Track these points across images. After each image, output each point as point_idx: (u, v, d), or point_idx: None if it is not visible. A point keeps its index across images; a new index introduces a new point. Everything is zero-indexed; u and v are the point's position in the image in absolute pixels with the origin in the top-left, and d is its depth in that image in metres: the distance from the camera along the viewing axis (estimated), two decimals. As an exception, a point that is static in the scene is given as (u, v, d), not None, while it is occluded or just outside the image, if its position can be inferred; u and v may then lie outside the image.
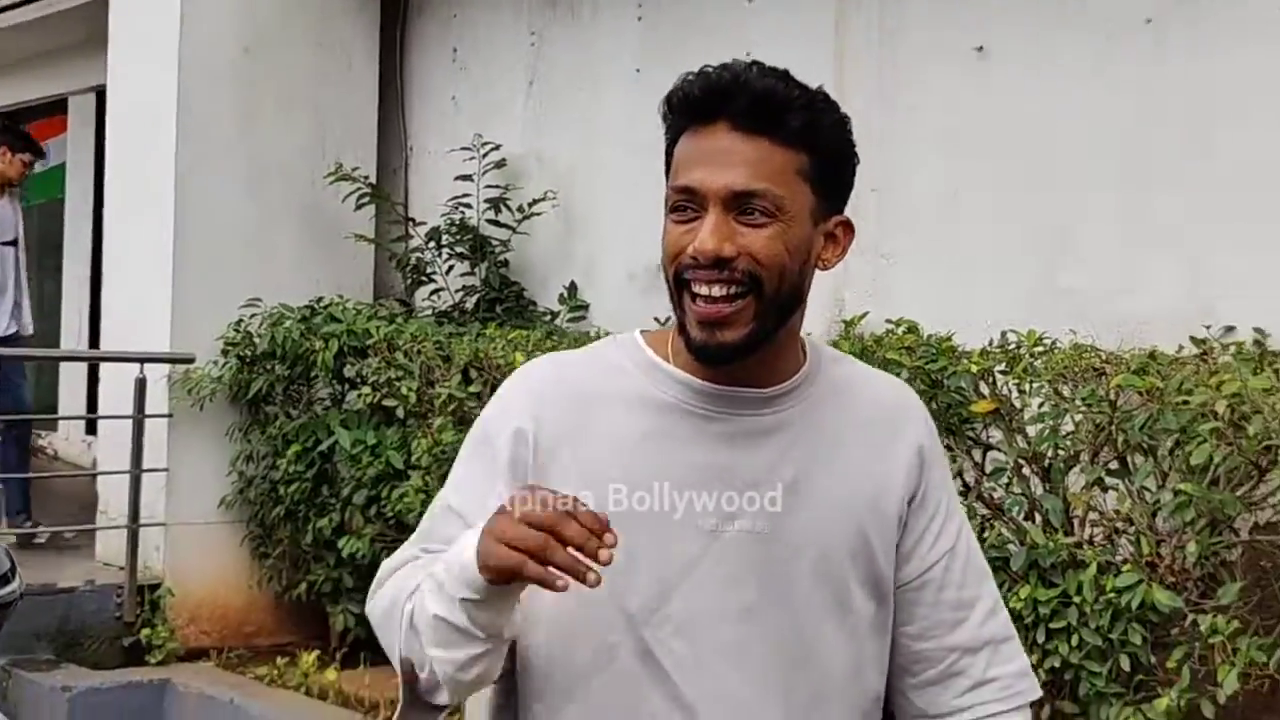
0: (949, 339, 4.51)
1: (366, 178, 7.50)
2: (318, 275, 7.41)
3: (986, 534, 4.17)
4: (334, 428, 6.54)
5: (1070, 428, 4.09)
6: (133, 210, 7.34)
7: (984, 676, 1.96)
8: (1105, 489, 4.04)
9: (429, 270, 7.31)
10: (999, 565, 3.93)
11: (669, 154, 1.85)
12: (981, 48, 5.33)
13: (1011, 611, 2.38)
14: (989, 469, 4.34)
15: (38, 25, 9.52)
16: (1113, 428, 3.95)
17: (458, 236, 7.22)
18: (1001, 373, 4.29)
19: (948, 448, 4.28)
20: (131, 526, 6.81)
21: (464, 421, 5.81)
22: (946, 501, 1.99)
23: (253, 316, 6.99)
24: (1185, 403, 3.70)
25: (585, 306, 6.91)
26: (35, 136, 8.75)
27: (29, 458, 8.30)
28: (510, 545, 1.61)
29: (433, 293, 7.32)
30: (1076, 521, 4.10)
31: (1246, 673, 3.58)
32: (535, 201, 6.99)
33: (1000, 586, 2.31)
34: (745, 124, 1.75)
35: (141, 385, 6.81)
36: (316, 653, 6.47)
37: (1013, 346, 4.38)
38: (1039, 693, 2.01)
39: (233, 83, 7.27)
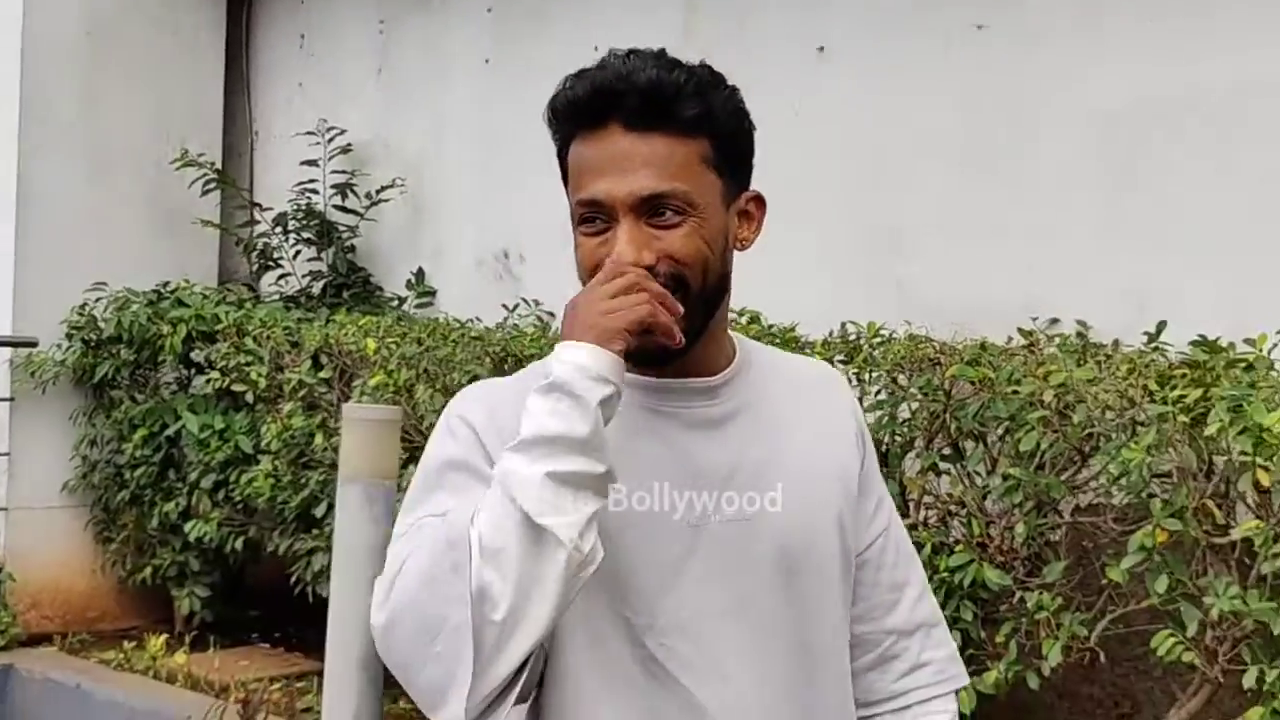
0: (793, 329, 4.70)
1: (213, 163, 7.48)
2: (162, 259, 7.38)
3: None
4: (181, 412, 6.55)
5: (907, 415, 4.30)
6: (-27, 193, 7.25)
7: (919, 660, 1.95)
8: (939, 473, 4.22)
9: (276, 255, 7.33)
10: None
11: (562, 162, 1.79)
12: (823, 48, 5.54)
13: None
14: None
15: None
16: (946, 415, 4.16)
17: (304, 222, 7.26)
18: (842, 362, 4.49)
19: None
20: (-29, 511, 6.75)
21: (313, 407, 5.88)
22: (878, 477, 2.00)
23: (98, 300, 6.95)
24: (1015, 392, 3.92)
25: (433, 293, 7.00)
26: None
27: None
28: (626, 300, 1.61)
29: (279, 278, 7.34)
30: (912, 504, 4.29)
31: (1069, 646, 3.77)
32: (383, 188, 7.06)
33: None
34: (638, 122, 1.69)
35: (-18, 368, 6.75)
36: (165, 636, 6.47)
37: (853, 338, 4.59)
38: (967, 679, 2.02)
39: (75, 66, 7.20)
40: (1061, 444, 3.87)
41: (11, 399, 6.90)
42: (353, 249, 7.26)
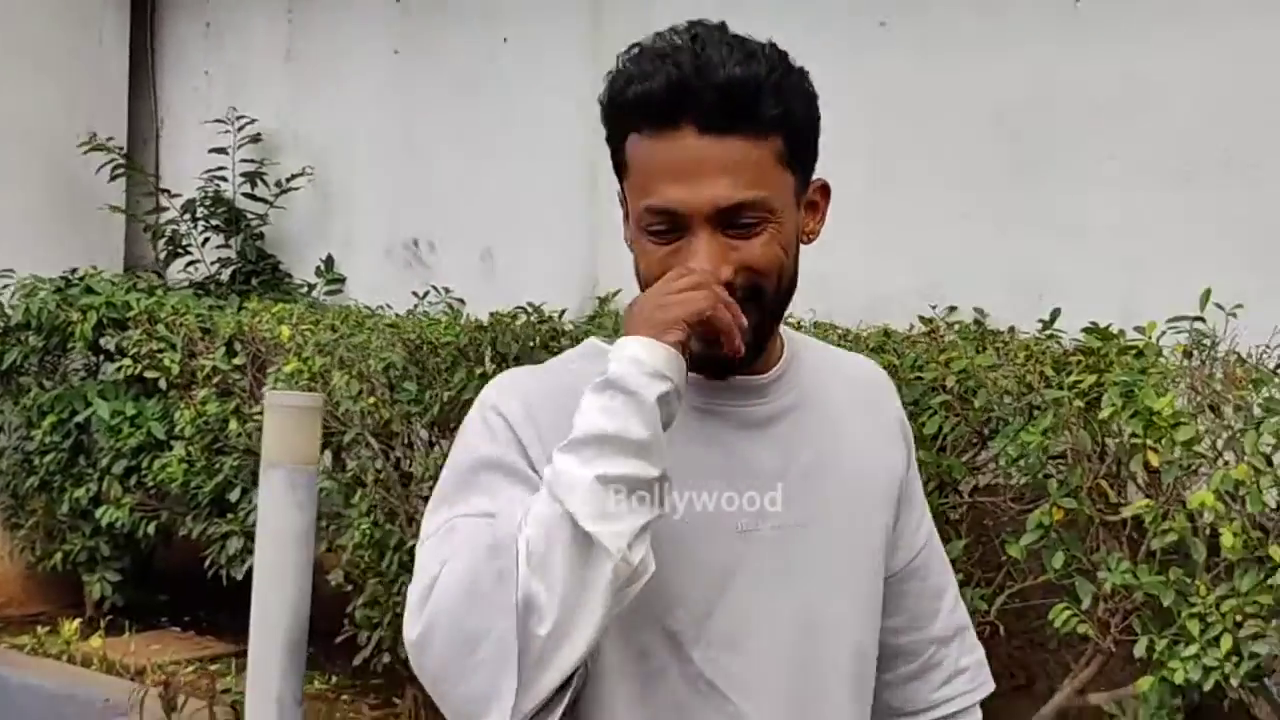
0: (705, 318, 4.84)
1: (121, 148, 7.49)
2: (67, 247, 7.35)
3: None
4: (91, 399, 6.55)
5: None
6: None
7: (957, 667, 1.89)
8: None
9: (184, 242, 7.35)
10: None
11: (616, 151, 1.64)
12: (732, 42, 5.67)
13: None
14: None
15: None
16: (852, 400, 4.33)
17: (212, 209, 7.29)
18: (752, 349, 4.62)
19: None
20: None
21: (227, 393, 5.94)
22: (919, 483, 1.91)
23: (4, 287, 6.93)
24: (919, 378, 4.10)
25: (342, 280, 7.06)
26: None
27: None
28: (685, 294, 1.51)
29: (188, 265, 7.36)
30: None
31: (969, 619, 3.98)
32: (293, 177, 7.11)
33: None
34: (714, 124, 1.54)
35: (-114, 357, 6.70)
36: (78, 621, 6.49)
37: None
38: (993, 683, 1.95)
39: (-23, 51, 7.18)
40: (963, 427, 4.06)
41: (-85, 387, 6.87)
42: (261, 236, 7.30)
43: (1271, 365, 3.72)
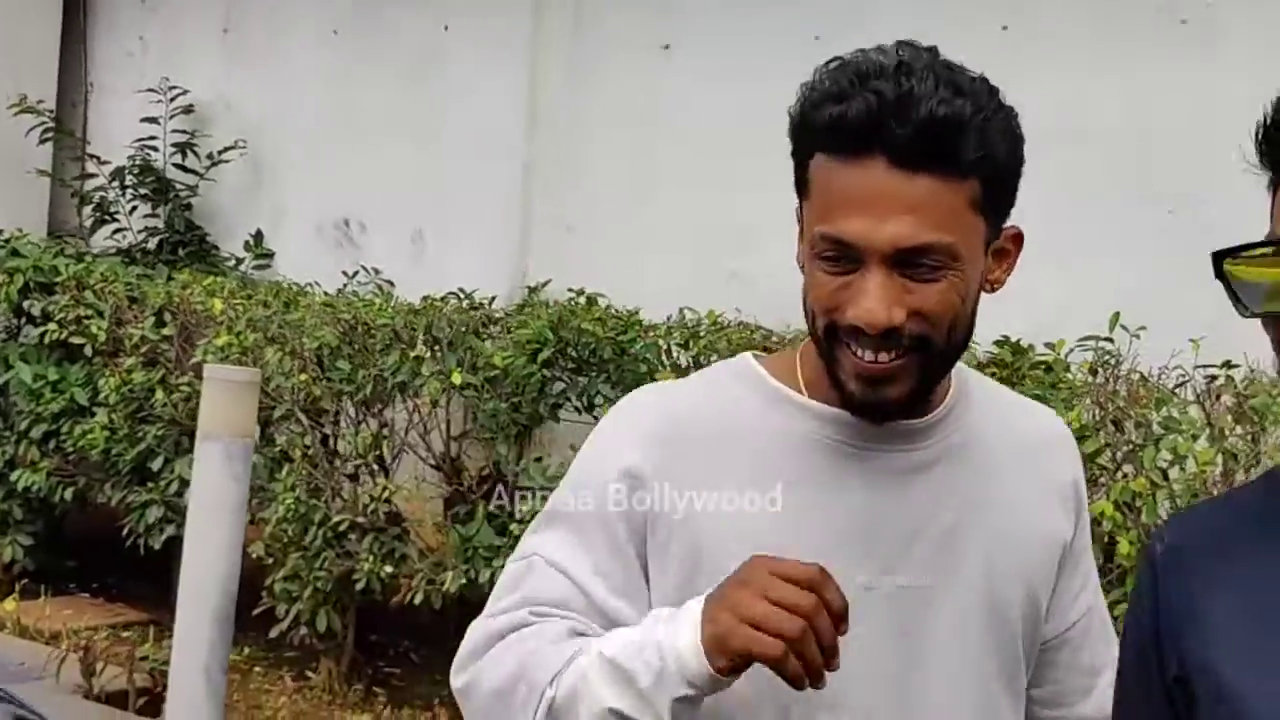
0: (637, 313, 5.01)
1: (51, 111, 7.49)
2: (-10, 208, 7.37)
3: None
4: (13, 362, 6.57)
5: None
6: None
7: None
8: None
9: (111, 209, 7.37)
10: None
11: (802, 170, 1.54)
12: (668, 45, 5.84)
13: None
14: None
15: None
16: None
17: (141, 178, 7.32)
18: (679, 345, 4.80)
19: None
20: None
21: (153, 363, 6.01)
22: (1089, 551, 1.77)
23: (-73, 247, 6.92)
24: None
25: (270, 255, 7.13)
26: None
27: None
28: (762, 629, 1.37)
29: (114, 232, 7.38)
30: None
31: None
32: (225, 149, 7.16)
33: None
34: (907, 160, 1.43)
35: None
36: (-8, 584, 6.52)
37: (692, 324, 4.91)
38: None
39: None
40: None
41: None
42: (190, 207, 7.35)
43: (1171, 385, 3.94)
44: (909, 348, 1.48)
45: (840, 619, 1.39)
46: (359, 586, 5.17)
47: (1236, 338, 4.14)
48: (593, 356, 4.81)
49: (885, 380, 1.49)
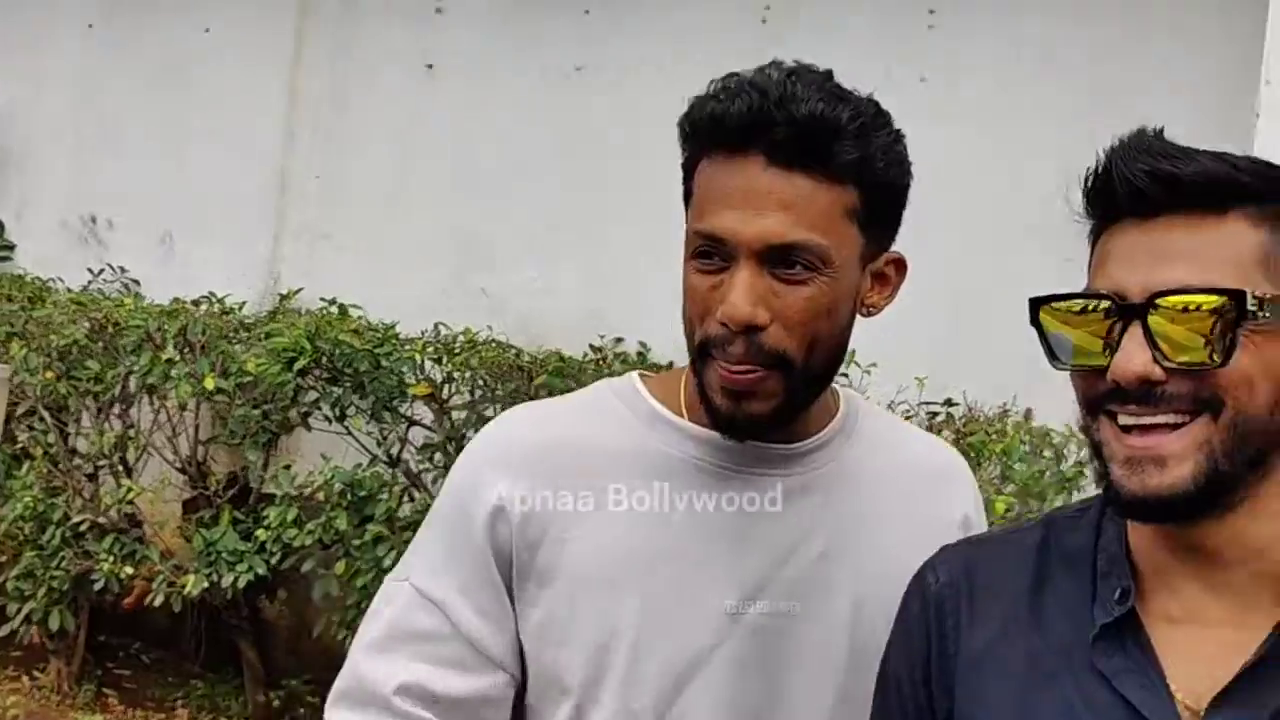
0: (393, 327, 5.10)
1: None
2: None
3: (405, 503, 4.76)
4: None
5: (491, 414, 4.76)
6: None
7: None
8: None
9: None
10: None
11: (687, 178, 1.56)
12: (432, 66, 5.95)
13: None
14: (419, 444, 4.93)
15: None
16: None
17: (-127, 161, 7.09)
18: (432, 359, 4.90)
19: (383, 425, 4.88)
20: None
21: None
22: None
23: None
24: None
25: (12, 248, 6.97)
26: None
27: None
28: None
29: None
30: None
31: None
32: (-32, 137, 7.00)
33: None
34: (784, 158, 1.45)
35: None
36: None
37: (447, 340, 5.02)
38: None
39: None
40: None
41: None
42: (-75, 194, 7.14)
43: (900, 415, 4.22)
44: (768, 364, 1.47)
45: None
46: (97, 587, 5.13)
47: (961, 376, 4.49)
48: (348, 367, 4.88)
49: (747, 395, 1.48)
